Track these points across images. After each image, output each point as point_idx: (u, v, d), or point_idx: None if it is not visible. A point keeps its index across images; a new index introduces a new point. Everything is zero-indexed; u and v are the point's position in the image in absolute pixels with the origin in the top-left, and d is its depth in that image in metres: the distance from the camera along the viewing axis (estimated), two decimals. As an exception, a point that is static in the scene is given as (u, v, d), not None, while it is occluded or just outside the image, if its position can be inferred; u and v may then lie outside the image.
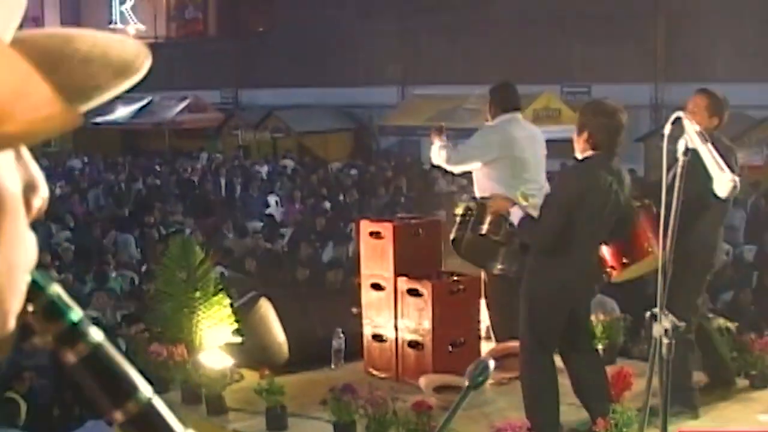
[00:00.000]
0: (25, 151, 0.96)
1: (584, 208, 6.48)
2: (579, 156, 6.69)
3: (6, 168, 0.91)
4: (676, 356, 6.92)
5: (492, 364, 3.31)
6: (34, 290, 0.99)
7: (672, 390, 7.03)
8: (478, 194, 8.57)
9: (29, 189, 0.96)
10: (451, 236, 7.57)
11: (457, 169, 8.93)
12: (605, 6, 29.25)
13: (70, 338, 1.00)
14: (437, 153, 8.69)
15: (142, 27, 48.34)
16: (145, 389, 1.02)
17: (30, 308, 0.99)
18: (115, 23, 47.87)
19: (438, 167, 9.00)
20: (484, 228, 7.16)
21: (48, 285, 1.01)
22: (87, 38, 0.95)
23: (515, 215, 6.88)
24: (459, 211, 7.58)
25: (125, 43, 0.98)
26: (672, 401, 6.99)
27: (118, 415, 1.01)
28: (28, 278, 0.97)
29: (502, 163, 8.34)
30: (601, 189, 6.50)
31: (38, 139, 0.84)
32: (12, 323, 0.95)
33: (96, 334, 1.02)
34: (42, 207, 0.97)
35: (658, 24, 29.06)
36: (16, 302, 0.95)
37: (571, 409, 7.14)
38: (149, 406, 1.02)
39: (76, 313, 1.01)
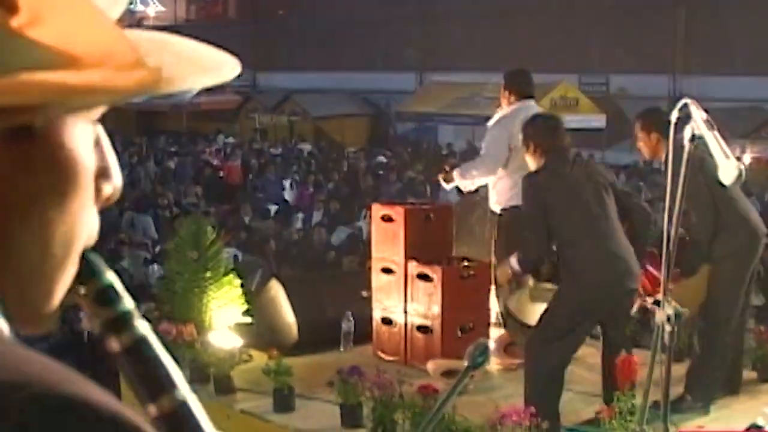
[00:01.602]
0: (105, 140, 0.99)
1: (558, 204, 6.69)
2: (533, 169, 7.04)
3: (85, 145, 0.94)
4: (707, 352, 6.98)
5: (492, 345, 3.32)
6: (90, 274, 1.02)
7: (695, 385, 7.05)
8: (491, 183, 8.54)
9: (103, 176, 0.98)
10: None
11: (495, 173, 8.63)
12: (625, -4, 29.20)
13: (117, 327, 1.03)
14: (468, 179, 8.55)
15: (162, 9, 48.41)
16: (183, 389, 1.03)
17: (82, 291, 1.02)
18: (136, 4, 47.92)
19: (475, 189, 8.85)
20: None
21: (104, 271, 1.03)
22: (184, 41, 0.97)
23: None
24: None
25: (217, 52, 0.99)
26: (690, 396, 7.01)
27: (152, 409, 1.02)
28: (78, 259, 0.99)
29: (521, 151, 8.29)
30: (563, 181, 6.75)
31: (121, 96, 0.86)
32: (59, 298, 0.97)
33: (143, 327, 1.03)
34: (113, 196, 1.00)
35: (678, 15, 28.97)
36: (66, 278, 0.97)
37: (578, 397, 7.15)
38: (183, 406, 1.02)
39: (127, 304, 1.04)
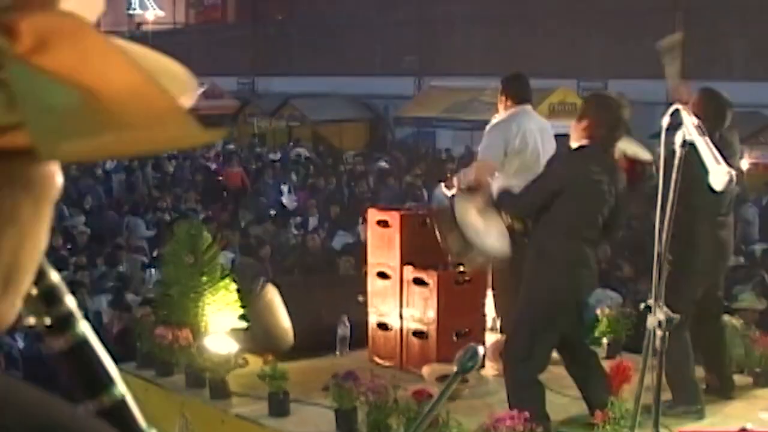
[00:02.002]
0: None
1: (568, 198, 6.55)
2: (573, 144, 6.75)
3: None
4: (675, 355, 6.95)
5: (481, 350, 3.32)
6: (39, 275, 1.02)
7: (675, 390, 7.05)
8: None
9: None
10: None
11: (491, 179, 8.59)
12: (624, 1, 29.20)
13: (61, 326, 1.04)
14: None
15: (161, 13, 48.42)
16: (120, 386, 1.06)
17: (34, 291, 1.02)
18: (134, 9, 47.95)
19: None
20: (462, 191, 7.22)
21: (49, 271, 1.04)
22: (137, 49, 0.94)
23: (494, 186, 7.10)
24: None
25: (170, 59, 0.97)
26: (677, 401, 7.01)
27: (90, 406, 1.05)
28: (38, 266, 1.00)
29: (518, 155, 8.31)
30: (587, 182, 6.58)
31: (163, 148, 0.86)
32: (21, 296, 0.98)
33: (84, 327, 1.06)
34: (55, 198, 1.00)
35: (676, 21, 28.96)
36: (29, 284, 0.98)
37: (569, 401, 7.15)
38: (121, 402, 1.06)
39: (71, 303, 1.05)
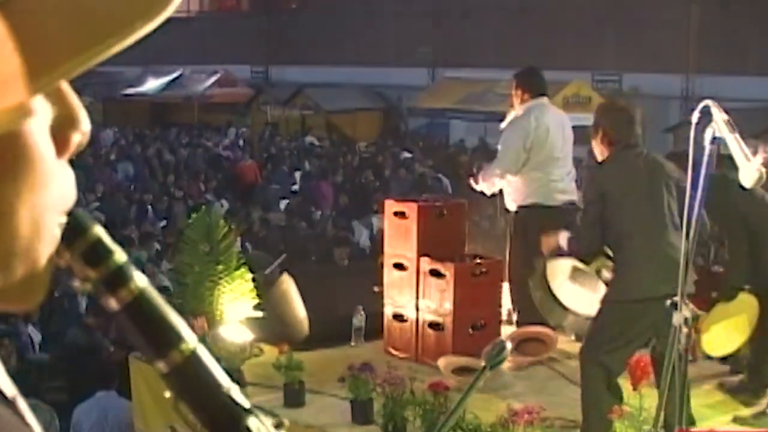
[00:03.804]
0: (65, 84, 0.87)
1: (616, 196, 6.46)
2: (599, 159, 6.74)
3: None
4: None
5: (509, 345, 3.31)
6: (75, 231, 0.94)
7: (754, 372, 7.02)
8: (510, 182, 8.51)
9: (68, 123, 0.88)
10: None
11: (514, 174, 8.49)
12: (639, -6, 29.12)
13: (113, 283, 0.96)
14: (489, 182, 8.53)
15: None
16: (191, 339, 0.99)
17: (68, 255, 0.94)
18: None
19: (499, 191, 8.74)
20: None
21: (90, 226, 0.95)
22: None
23: (563, 239, 6.98)
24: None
25: None
26: (751, 383, 6.98)
27: (162, 365, 0.99)
28: (62, 219, 0.89)
29: (537, 149, 8.31)
30: (624, 175, 6.52)
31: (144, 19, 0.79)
32: (41, 267, 0.87)
33: (140, 279, 0.97)
34: (83, 142, 0.90)
35: (692, 14, 28.87)
36: (46, 246, 0.87)
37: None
38: (194, 356, 0.99)
39: (120, 256, 0.97)
